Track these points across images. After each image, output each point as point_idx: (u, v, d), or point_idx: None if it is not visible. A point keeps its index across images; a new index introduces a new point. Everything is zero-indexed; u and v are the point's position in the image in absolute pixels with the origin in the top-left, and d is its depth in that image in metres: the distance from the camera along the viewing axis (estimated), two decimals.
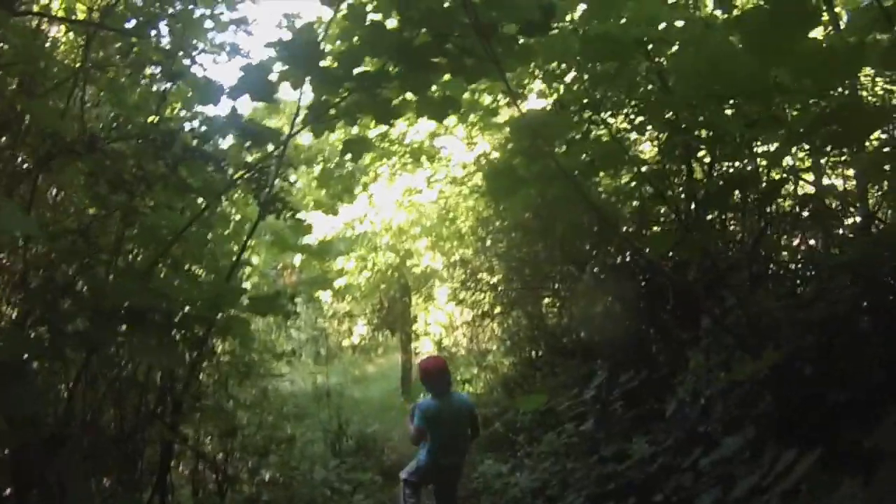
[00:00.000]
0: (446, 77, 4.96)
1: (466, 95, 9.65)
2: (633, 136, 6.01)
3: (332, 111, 4.73)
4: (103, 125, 4.84)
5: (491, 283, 11.24)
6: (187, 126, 4.75)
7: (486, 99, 9.41)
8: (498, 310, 11.28)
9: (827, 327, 4.37)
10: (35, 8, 5.47)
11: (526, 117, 4.27)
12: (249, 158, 4.82)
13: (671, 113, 4.37)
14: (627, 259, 7.56)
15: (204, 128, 4.57)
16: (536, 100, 7.47)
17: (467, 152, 11.10)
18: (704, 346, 5.96)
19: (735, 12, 4.79)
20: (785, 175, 5.41)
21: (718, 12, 5.16)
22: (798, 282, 5.91)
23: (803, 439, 3.77)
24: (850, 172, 6.16)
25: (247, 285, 11.35)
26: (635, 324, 7.47)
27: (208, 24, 6.42)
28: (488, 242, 10.71)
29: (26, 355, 3.32)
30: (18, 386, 2.86)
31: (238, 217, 6.66)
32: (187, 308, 4.16)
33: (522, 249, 9.62)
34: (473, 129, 10.56)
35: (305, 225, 6.10)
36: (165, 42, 5.59)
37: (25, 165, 4.79)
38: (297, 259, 14.15)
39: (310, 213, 9.75)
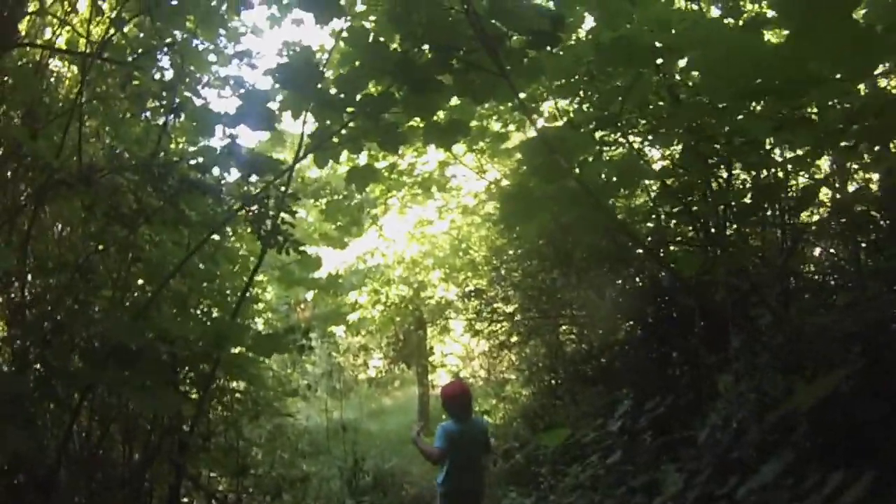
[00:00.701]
0: (453, 101, 4.80)
1: (474, 123, 9.49)
2: (649, 151, 5.78)
3: (336, 139, 4.55)
4: (101, 157, 4.67)
5: (507, 312, 10.99)
6: (187, 158, 4.57)
7: (495, 126, 9.23)
8: (515, 339, 11.00)
9: (866, 339, 4.14)
10: (38, 41, 5.36)
11: (540, 134, 4.06)
12: (253, 190, 4.63)
13: (692, 121, 4.17)
14: (648, 281, 7.32)
15: (202, 159, 4.37)
16: (546, 122, 7.26)
17: (478, 181, 10.89)
18: (734, 368, 5.76)
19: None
20: (814, 180, 5.16)
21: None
22: (832, 294, 5.69)
23: (847, 461, 3.55)
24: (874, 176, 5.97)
25: (258, 322, 11.24)
26: (659, 348, 7.23)
27: (211, 57, 6.31)
28: (503, 271, 10.47)
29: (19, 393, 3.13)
30: (9, 424, 2.67)
31: (244, 252, 6.48)
32: (188, 347, 3.97)
33: (538, 277, 9.38)
34: (483, 156, 10.34)
35: (313, 258, 5.90)
36: (167, 75, 5.46)
37: (24, 198, 4.64)
38: (310, 294, 13.99)
39: (318, 247, 9.55)
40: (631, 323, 7.49)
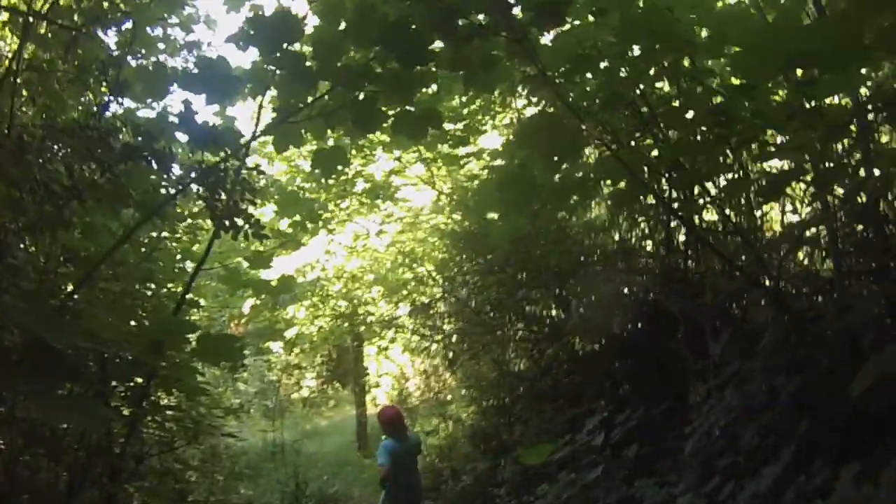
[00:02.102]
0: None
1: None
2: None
3: (302, 115, 3.93)
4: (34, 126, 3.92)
5: (455, 327, 10.39)
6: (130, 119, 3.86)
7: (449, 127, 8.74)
8: (462, 356, 10.39)
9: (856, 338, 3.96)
10: None
11: (543, 114, 3.56)
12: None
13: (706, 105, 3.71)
14: (624, 289, 6.86)
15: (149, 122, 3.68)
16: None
17: (427, 191, 10.28)
18: (717, 373, 5.36)
19: None
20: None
21: None
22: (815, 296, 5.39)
23: (851, 455, 3.40)
24: None
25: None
26: (630, 357, 6.77)
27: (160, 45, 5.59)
28: (457, 282, 9.88)
29: None
30: None
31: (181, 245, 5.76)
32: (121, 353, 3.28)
33: (493, 289, 8.82)
34: (434, 166, 9.79)
35: (264, 255, 5.21)
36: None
37: None
38: (247, 306, 13.14)
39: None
40: (600, 336, 7.00)
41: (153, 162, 3.42)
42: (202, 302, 8.56)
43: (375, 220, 11.23)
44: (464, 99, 6.90)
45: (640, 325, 6.88)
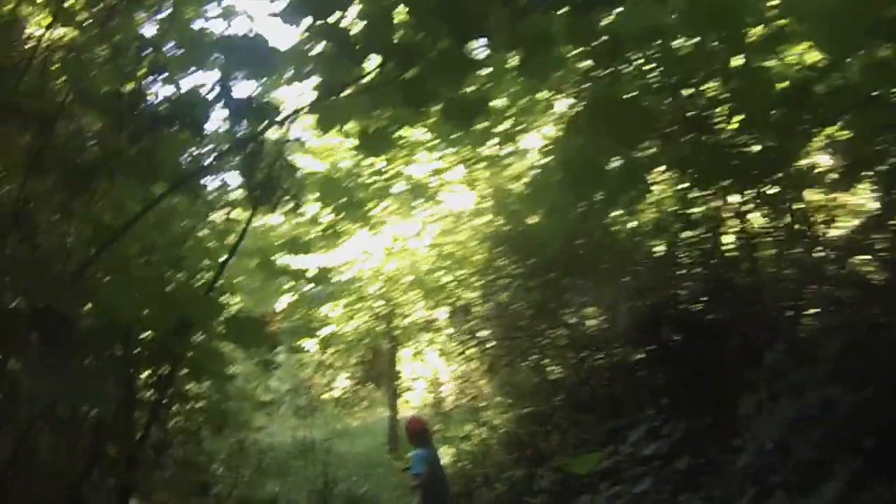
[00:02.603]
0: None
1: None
2: None
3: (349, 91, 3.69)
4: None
5: (494, 332, 10.08)
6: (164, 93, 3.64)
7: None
8: (501, 361, 10.07)
9: None
10: None
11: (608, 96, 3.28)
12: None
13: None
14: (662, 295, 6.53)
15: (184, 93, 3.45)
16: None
17: (470, 193, 9.98)
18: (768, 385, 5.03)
19: None
20: None
21: None
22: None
23: None
24: None
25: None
26: (674, 368, 6.44)
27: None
28: (495, 287, 9.58)
29: None
30: None
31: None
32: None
33: (533, 294, 8.52)
34: (475, 168, 9.50)
35: (302, 242, 4.96)
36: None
37: None
38: (281, 304, 12.96)
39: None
40: (648, 345, 6.67)
41: (185, 129, 3.18)
42: (237, 298, 8.40)
43: (415, 221, 10.98)
44: (513, 91, 6.58)
45: (686, 333, 6.56)
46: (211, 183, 4.87)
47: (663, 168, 5.49)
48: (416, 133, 8.67)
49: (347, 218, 7.17)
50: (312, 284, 11.02)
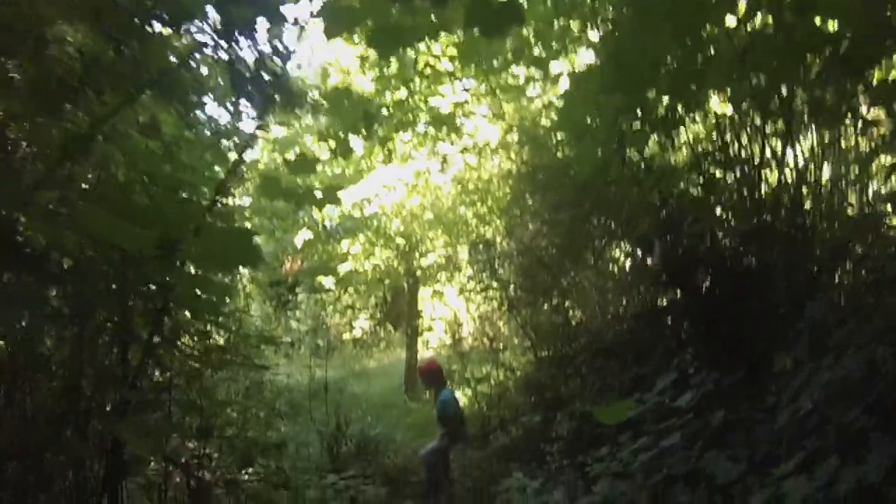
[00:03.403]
0: None
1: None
2: None
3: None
4: None
5: (516, 270, 9.65)
6: None
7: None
8: (524, 302, 9.66)
9: None
10: None
11: None
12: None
13: None
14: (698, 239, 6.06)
15: None
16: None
17: (496, 127, 9.44)
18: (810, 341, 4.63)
19: None
20: None
21: None
22: None
23: None
24: None
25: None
26: (705, 317, 5.99)
27: None
28: (520, 223, 9.13)
29: None
30: None
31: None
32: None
33: (559, 230, 8.06)
34: (502, 98, 8.95)
35: (307, 159, 4.52)
36: None
37: None
38: (299, 241, 12.62)
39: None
40: (679, 287, 6.22)
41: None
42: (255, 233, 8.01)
43: (438, 155, 10.48)
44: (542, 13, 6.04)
45: (720, 279, 6.11)
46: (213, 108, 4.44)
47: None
48: (441, 64, 8.23)
49: (364, 138, 6.63)
50: (327, 219, 10.72)
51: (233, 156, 4.71)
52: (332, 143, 5.67)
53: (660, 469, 4.82)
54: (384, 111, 8.20)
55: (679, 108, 4.29)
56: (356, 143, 7.52)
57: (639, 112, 4.40)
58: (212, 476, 5.59)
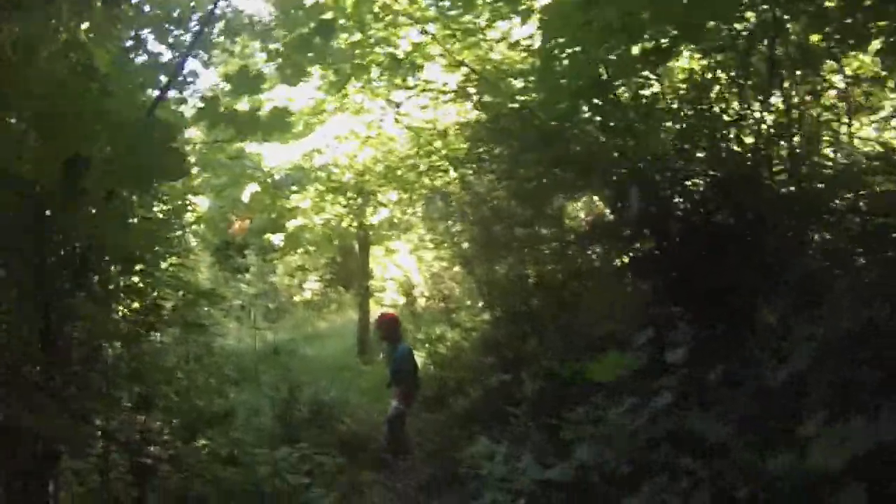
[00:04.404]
0: None
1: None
2: None
3: None
4: None
5: (471, 226, 9.12)
6: None
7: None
8: (481, 258, 9.17)
9: None
10: None
11: None
12: None
13: None
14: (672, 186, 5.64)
15: None
16: None
17: (453, 72, 8.78)
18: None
19: None
20: None
21: None
22: None
23: None
24: None
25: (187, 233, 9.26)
26: (678, 269, 5.61)
27: None
28: (477, 173, 8.58)
29: None
30: None
31: None
32: None
33: (519, 181, 7.55)
34: (456, 45, 8.33)
35: (252, 75, 3.91)
36: None
37: None
38: (246, 194, 11.91)
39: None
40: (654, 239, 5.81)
41: None
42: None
43: (392, 103, 9.79)
44: None
45: (696, 232, 5.71)
46: None
47: None
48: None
49: (316, 60, 5.97)
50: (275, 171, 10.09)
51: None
52: (283, 63, 5.03)
53: (643, 431, 4.42)
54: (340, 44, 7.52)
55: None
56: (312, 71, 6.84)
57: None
58: (156, 452, 5.04)
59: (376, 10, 7.89)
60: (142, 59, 4.30)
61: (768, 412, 3.95)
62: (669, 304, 5.57)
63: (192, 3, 4.62)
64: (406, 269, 15.30)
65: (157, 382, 5.18)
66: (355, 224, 13.58)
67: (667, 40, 4.14)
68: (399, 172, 11.26)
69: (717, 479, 3.71)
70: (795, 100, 5.33)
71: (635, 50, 4.63)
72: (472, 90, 7.94)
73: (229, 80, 3.84)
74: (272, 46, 5.22)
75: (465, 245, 9.65)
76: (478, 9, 7.30)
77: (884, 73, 5.14)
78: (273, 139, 3.86)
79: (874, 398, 3.30)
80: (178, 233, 9.01)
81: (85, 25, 4.70)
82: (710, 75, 5.51)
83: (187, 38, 4.17)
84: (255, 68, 3.94)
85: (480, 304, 10.93)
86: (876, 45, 4.75)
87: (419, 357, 10.75)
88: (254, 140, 4.11)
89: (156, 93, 4.54)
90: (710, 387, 4.22)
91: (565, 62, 4.46)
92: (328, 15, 5.65)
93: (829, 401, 3.56)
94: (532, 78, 6.46)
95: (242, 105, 3.94)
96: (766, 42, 4.99)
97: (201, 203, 12.58)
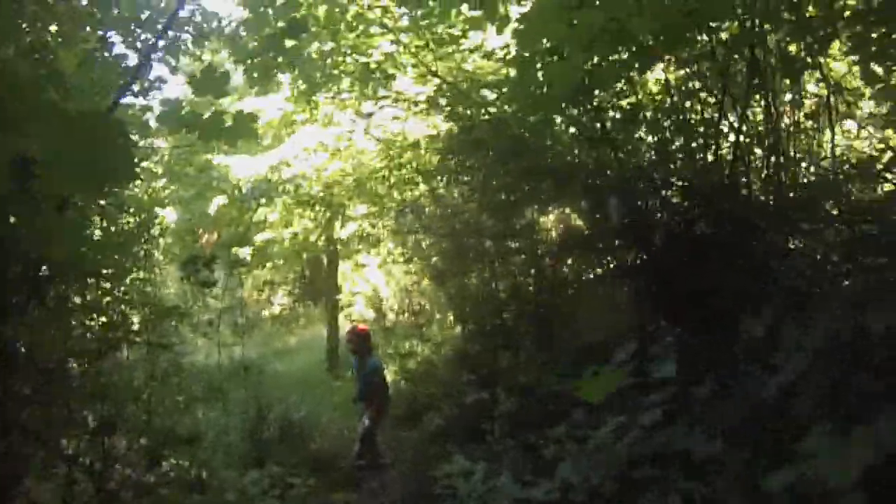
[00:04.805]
0: None
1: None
2: None
3: None
4: None
5: (442, 239, 8.86)
6: None
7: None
8: (453, 271, 8.93)
9: None
10: None
11: None
12: None
13: None
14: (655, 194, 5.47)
15: None
16: None
17: (425, 88, 8.54)
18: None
19: None
20: None
21: None
22: None
23: None
24: None
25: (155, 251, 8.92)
26: (660, 278, 5.43)
27: None
28: (448, 185, 8.37)
29: None
30: None
31: None
32: None
33: (493, 193, 7.36)
34: (428, 55, 8.09)
35: (219, 75, 3.65)
36: None
37: None
38: (213, 206, 11.59)
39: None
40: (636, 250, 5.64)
41: None
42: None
43: (362, 113, 9.50)
44: None
45: (677, 242, 5.56)
46: None
47: None
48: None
49: (284, 65, 5.70)
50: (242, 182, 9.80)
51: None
52: (250, 66, 4.78)
53: (631, 448, 4.23)
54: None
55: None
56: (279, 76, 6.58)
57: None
58: (121, 476, 4.72)
59: (349, 18, 7.66)
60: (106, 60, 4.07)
61: (761, 425, 3.79)
62: (651, 314, 5.41)
63: (163, 4, 4.41)
64: (375, 283, 15.03)
65: (122, 402, 4.88)
66: (324, 238, 13.27)
67: (652, 43, 3.98)
68: (369, 185, 10.99)
69: (711, 497, 3.53)
70: (775, 108, 5.21)
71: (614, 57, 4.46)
72: (443, 101, 7.73)
73: (192, 82, 3.58)
74: (240, 47, 4.98)
75: (436, 258, 9.40)
76: (452, 19, 7.11)
77: (861, 83, 5.04)
78: (237, 146, 3.61)
79: (871, 406, 3.16)
80: (145, 246, 8.70)
81: (54, 28, 4.49)
82: (690, 84, 5.37)
83: (156, 41, 3.93)
84: (221, 69, 3.66)
85: (451, 318, 10.71)
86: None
87: (389, 372, 10.49)
88: (218, 145, 3.79)
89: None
90: (699, 400, 4.04)
91: (542, 71, 4.27)
92: (301, 12, 5.46)
93: (825, 411, 3.41)
94: (506, 89, 6.30)
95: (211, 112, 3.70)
96: (745, 51, 4.87)
97: (168, 215, 12.25)
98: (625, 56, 3.91)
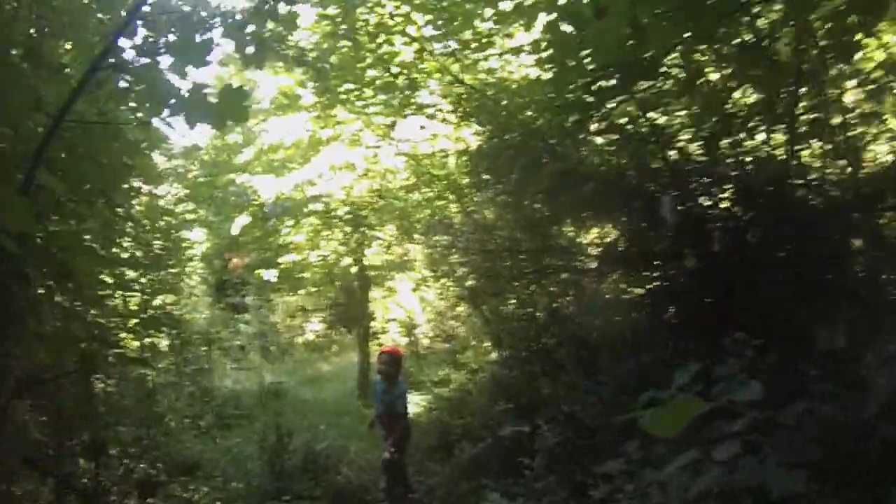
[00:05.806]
0: None
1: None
2: None
3: None
4: None
5: (475, 260, 8.16)
6: None
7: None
8: (487, 294, 8.24)
9: None
10: None
11: None
12: None
13: None
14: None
15: None
16: None
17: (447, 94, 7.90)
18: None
19: None
20: None
21: None
22: None
23: None
24: None
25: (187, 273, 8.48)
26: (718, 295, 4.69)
27: None
28: (480, 204, 7.71)
29: None
30: None
31: None
32: None
33: (527, 210, 6.68)
34: (457, 63, 7.48)
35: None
36: None
37: None
38: (237, 225, 11.09)
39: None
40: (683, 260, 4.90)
41: None
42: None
43: (390, 133, 8.91)
44: None
45: (733, 249, 4.82)
46: None
47: None
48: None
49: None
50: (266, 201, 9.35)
51: None
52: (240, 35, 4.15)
53: (704, 486, 3.47)
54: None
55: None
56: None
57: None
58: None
59: (370, 29, 7.13)
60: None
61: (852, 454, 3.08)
62: (715, 330, 4.66)
63: None
64: (408, 308, 14.43)
65: (110, 425, 4.28)
66: (353, 262, 12.64)
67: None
68: (398, 203, 10.36)
69: None
70: (825, 93, 4.48)
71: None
72: (471, 109, 7.08)
73: (170, 48, 2.97)
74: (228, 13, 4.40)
75: (470, 279, 8.71)
76: (478, 20, 6.57)
77: None
78: (226, 127, 3.03)
79: None
80: (174, 269, 8.22)
81: None
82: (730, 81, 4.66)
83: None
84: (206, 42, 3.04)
85: (487, 343, 10.01)
86: None
87: (423, 402, 9.84)
88: (204, 125, 3.21)
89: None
90: (786, 427, 3.28)
91: (583, 38, 3.67)
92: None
93: None
94: (537, 97, 5.71)
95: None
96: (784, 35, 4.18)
97: (193, 236, 11.85)
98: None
